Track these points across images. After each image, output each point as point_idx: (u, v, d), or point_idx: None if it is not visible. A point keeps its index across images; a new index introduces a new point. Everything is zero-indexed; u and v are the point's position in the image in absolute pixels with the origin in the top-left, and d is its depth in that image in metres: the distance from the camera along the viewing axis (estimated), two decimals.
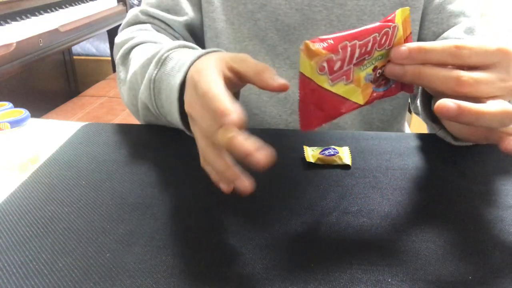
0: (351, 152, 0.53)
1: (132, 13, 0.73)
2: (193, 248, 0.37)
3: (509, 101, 0.41)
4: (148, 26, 0.69)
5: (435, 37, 0.70)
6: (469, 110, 0.35)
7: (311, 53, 0.36)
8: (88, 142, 0.56)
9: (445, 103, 0.35)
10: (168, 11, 0.71)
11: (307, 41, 0.36)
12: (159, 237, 0.39)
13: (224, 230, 0.40)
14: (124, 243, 0.38)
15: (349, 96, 0.40)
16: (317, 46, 0.36)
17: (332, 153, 0.50)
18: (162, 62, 0.50)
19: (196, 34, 0.75)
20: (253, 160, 0.32)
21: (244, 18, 0.71)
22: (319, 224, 0.41)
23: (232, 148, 0.33)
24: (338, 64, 0.38)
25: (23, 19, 1.69)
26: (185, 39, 0.73)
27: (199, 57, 0.45)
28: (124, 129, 0.60)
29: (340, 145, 0.54)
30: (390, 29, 0.38)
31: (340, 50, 0.37)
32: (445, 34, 0.68)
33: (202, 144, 0.38)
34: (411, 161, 0.52)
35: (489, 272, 0.35)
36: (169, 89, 0.48)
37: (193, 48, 0.54)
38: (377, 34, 0.38)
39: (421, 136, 0.58)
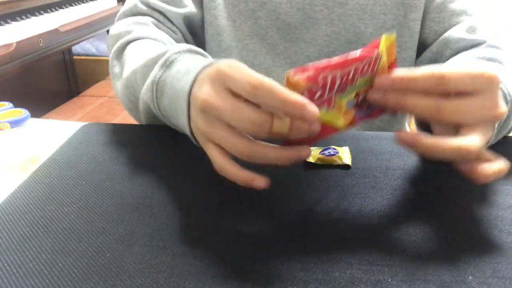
0: (351, 152, 0.53)
1: (131, 2, 0.71)
2: (193, 248, 0.37)
3: (494, 127, 0.41)
4: (147, 19, 0.68)
5: (437, 35, 0.70)
6: (423, 144, 0.38)
7: (291, 85, 0.37)
8: (88, 142, 0.56)
9: (401, 135, 0.39)
10: (167, 2, 0.70)
11: (288, 73, 0.36)
12: (159, 237, 0.39)
13: (224, 230, 0.40)
14: (124, 243, 0.38)
15: (331, 122, 0.40)
16: (296, 78, 0.36)
17: (332, 153, 0.51)
18: (168, 65, 0.48)
19: (194, 30, 0.74)
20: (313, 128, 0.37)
21: (245, 16, 0.71)
22: (319, 224, 0.41)
23: (301, 127, 0.37)
24: (318, 93, 0.38)
25: (23, 19, 1.69)
26: (183, 34, 0.72)
27: (210, 64, 0.42)
28: (124, 129, 0.60)
29: (340, 145, 0.54)
30: (373, 57, 0.38)
31: (320, 80, 0.37)
32: (446, 34, 0.68)
33: (239, 143, 0.38)
34: (411, 161, 0.52)
35: (489, 271, 0.35)
36: (174, 92, 0.45)
37: (202, 54, 0.51)
38: (359, 63, 0.38)
39: None
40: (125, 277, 0.34)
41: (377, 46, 0.39)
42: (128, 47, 0.61)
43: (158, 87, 0.48)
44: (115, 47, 0.63)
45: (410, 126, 0.85)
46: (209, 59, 0.46)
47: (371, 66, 0.39)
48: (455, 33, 0.67)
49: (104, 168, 0.50)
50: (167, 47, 0.51)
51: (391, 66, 0.40)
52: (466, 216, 0.42)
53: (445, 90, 0.38)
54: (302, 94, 0.37)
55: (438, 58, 0.70)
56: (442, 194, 0.46)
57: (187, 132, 0.44)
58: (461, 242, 0.38)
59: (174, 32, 0.70)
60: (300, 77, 0.36)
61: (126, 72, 0.57)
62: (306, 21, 0.70)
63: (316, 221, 0.41)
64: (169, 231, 0.39)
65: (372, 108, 0.42)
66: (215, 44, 0.73)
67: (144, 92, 0.51)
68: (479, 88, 0.38)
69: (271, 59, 0.73)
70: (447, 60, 0.67)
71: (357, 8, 0.70)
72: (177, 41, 0.68)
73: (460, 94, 0.38)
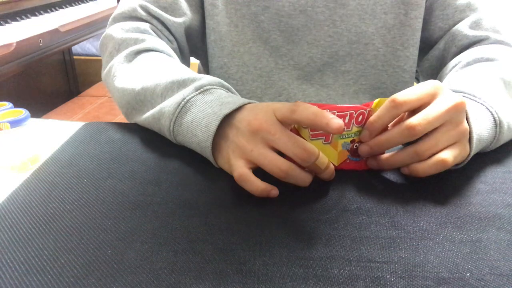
0: None
1: (130, 5, 0.70)
2: (193, 244, 0.38)
3: (469, 144, 0.47)
4: (146, 25, 0.68)
5: (442, 32, 0.72)
6: (375, 142, 0.46)
7: None
8: (89, 141, 0.56)
9: (360, 148, 0.48)
10: (165, 9, 0.70)
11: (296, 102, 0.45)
12: (160, 234, 0.39)
13: (224, 227, 0.40)
14: (125, 240, 0.38)
15: (326, 155, 0.46)
16: None
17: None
18: (202, 91, 0.52)
19: (192, 37, 0.75)
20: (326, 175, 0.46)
21: (248, 20, 0.72)
22: (319, 222, 0.41)
23: (328, 168, 0.45)
24: None
25: (23, 19, 1.69)
26: (179, 44, 0.73)
27: (249, 102, 0.49)
28: (125, 128, 0.60)
29: None
30: (366, 111, 0.46)
31: None
32: (452, 31, 0.70)
33: (279, 160, 0.43)
34: None
35: (487, 269, 0.35)
36: (203, 114, 0.49)
37: (231, 90, 0.55)
38: (353, 112, 0.46)
39: None
40: (126, 273, 0.35)
41: (369, 106, 0.47)
42: (143, 55, 0.63)
43: (186, 104, 0.51)
44: (126, 51, 0.63)
45: None
46: (239, 97, 0.52)
47: (365, 118, 0.47)
48: (459, 29, 0.69)
49: (105, 166, 0.50)
50: (200, 75, 0.55)
51: None
52: (465, 213, 0.42)
53: (414, 136, 0.45)
54: None
55: (445, 55, 0.72)
56: (441, 192, 0.46)
57: (207, 145, 0.48)
58: (459, 240, 0.39)
59: (170, 41, 0.71)
60: None
61: (142, 80, 0.58)
62: (309, 23, 0.71)
63: (315, 218, 0.42)
64: (170, 228, 0.40)
65: (361, 157, 0.49)
66: (218, 49, 0.73)
67: (166, 104, 0.53)
68: (429, 101, 0.45)
69: (274, 61, 0.73)
70: (453, 57, 0.68)
71: (358, 8, 0.70)
72: (173, 50, 0.70)
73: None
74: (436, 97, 0.45)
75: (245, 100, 0.49)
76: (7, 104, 0.68)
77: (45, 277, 0.34)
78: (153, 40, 0.65)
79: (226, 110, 0.48)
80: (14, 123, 0.63)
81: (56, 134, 0.60)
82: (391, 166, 0.48)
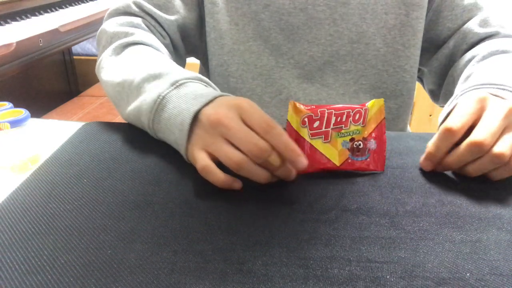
0: None
1: (125, 1, 0.72)
2: (193, 244, 0.38)
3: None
4: (139, 20, 0.69)
5: (451, 32, 0.73)
6: (446, 165, 0.48)
7: (296, 110, 0.48)
8: (89, 141, 0.56)
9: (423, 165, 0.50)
10: (159, 6, 0.71)
11: (294, 102, 0.48)
12: (159, 234, 0.39)
13: (224, 227, 0.40)
14: (125, 240, 0.38)
15: (327, 154, 0.48)
16: (301, 106, 0.47)
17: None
18: (177, 86, 0.52)
19: (187, 35, 0.75)
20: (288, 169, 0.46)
21: (248, 18, 0.72)
22: (319, 222, 0.41)
23: (284, 166, 0.45)
24: (317, 123, 0.48)
25: (23, 19, 1.69)
26: (172, 40, 0.74)
27: (223, 95, 0.49)
28: (125, 128, 0.60)
29: None
30: (362, 110, 0.48)
31: (318, 113, 0.47)
32: (462, 30, 0.71)
33: (235, 153, 0.44)
34: (410, 159, 0.52)
35: (487, 269, 0.35)
36: (178, 110, 0.49)
37: (209, 83, 0.55)
38: (350, 110, 0.48)
39: (420, 136, 0.59)
40: (126, 273, 0.35)
41: (364, 105, 0.49)
42: (130, 49, 0.63)
43: (162, 101, 0.51)
44: (115, 44, 0.65)
45: (409, 126, 0.86)
46: (218, 91, 0.52)
47: (362, 117, 0.48)
48: (469, 28, 0.70)
49: (105, 166, 0.50)
50: (178, 68, 0.55)
51: (379, 126, 0.50)
52: (465, 213, 0.42)
53: (481, 151, 0.46)
54: (303, 119, 0.47)
55: (455, 53, 0.73)
56: (441, 192, 0.46)
57: (182, 143, 0.48)
58: (460, 240, 0.39)
59: (163, 37, 0.72)
60: (303, 106, 0.47)
61: (118, 76, 0.59)
62: (309, 21, 0.71)
63: (315, 218, 0.41)
64: (170, 228, 0.40)
65: (363, 158, 0.49)
66: (218, 47, 0.74)
67: (144, 101, 0.53)
68: (480, 115, 0.47)
69: (275, 60, 0.73)
70: (463, 54, 0.70)
71: (359, 7, 0.70)
72: (166, 46, 0.70)
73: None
74: (485, 108, 0.47)
75: (218, 93, 0.50)
76: (7, 104, 0.68)
77: (45, 277, 0.34)
78: (142, 34, 0.66)
79: (197, 106, 0.48)
80: (14, 123, 0.63)
81: (56, 134, 0.60)
82: (476, 173, 0.48)
